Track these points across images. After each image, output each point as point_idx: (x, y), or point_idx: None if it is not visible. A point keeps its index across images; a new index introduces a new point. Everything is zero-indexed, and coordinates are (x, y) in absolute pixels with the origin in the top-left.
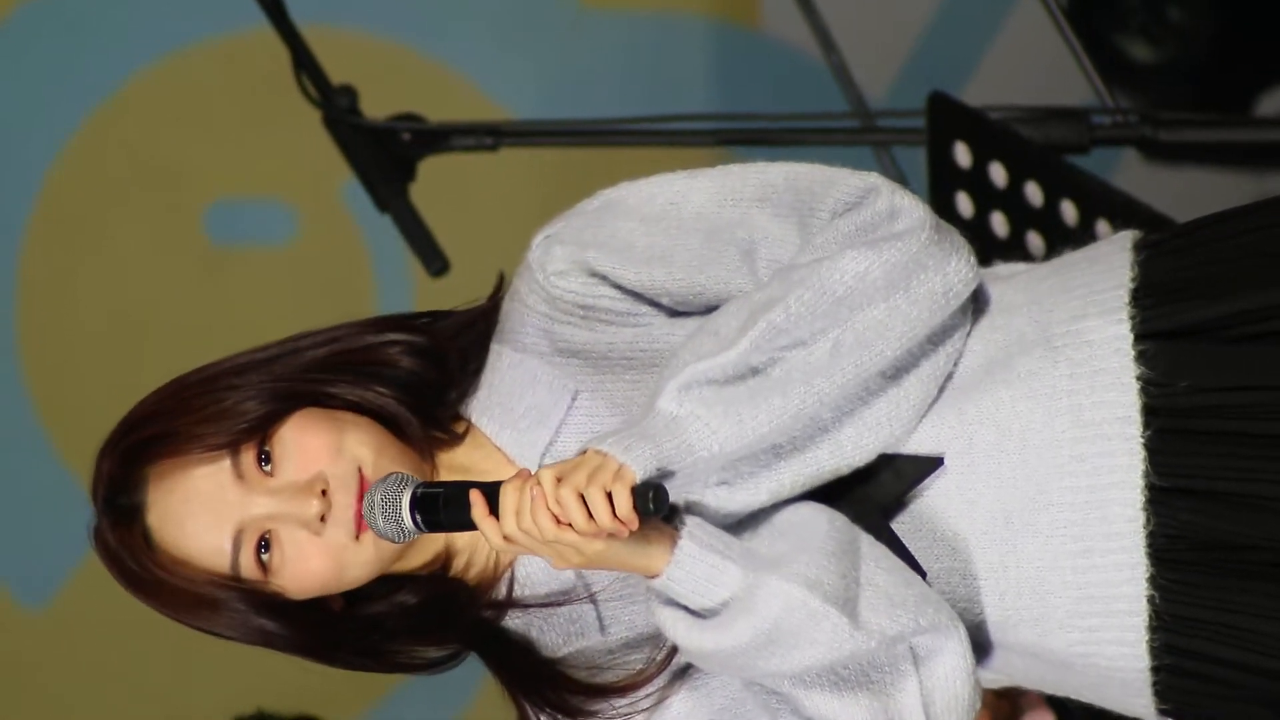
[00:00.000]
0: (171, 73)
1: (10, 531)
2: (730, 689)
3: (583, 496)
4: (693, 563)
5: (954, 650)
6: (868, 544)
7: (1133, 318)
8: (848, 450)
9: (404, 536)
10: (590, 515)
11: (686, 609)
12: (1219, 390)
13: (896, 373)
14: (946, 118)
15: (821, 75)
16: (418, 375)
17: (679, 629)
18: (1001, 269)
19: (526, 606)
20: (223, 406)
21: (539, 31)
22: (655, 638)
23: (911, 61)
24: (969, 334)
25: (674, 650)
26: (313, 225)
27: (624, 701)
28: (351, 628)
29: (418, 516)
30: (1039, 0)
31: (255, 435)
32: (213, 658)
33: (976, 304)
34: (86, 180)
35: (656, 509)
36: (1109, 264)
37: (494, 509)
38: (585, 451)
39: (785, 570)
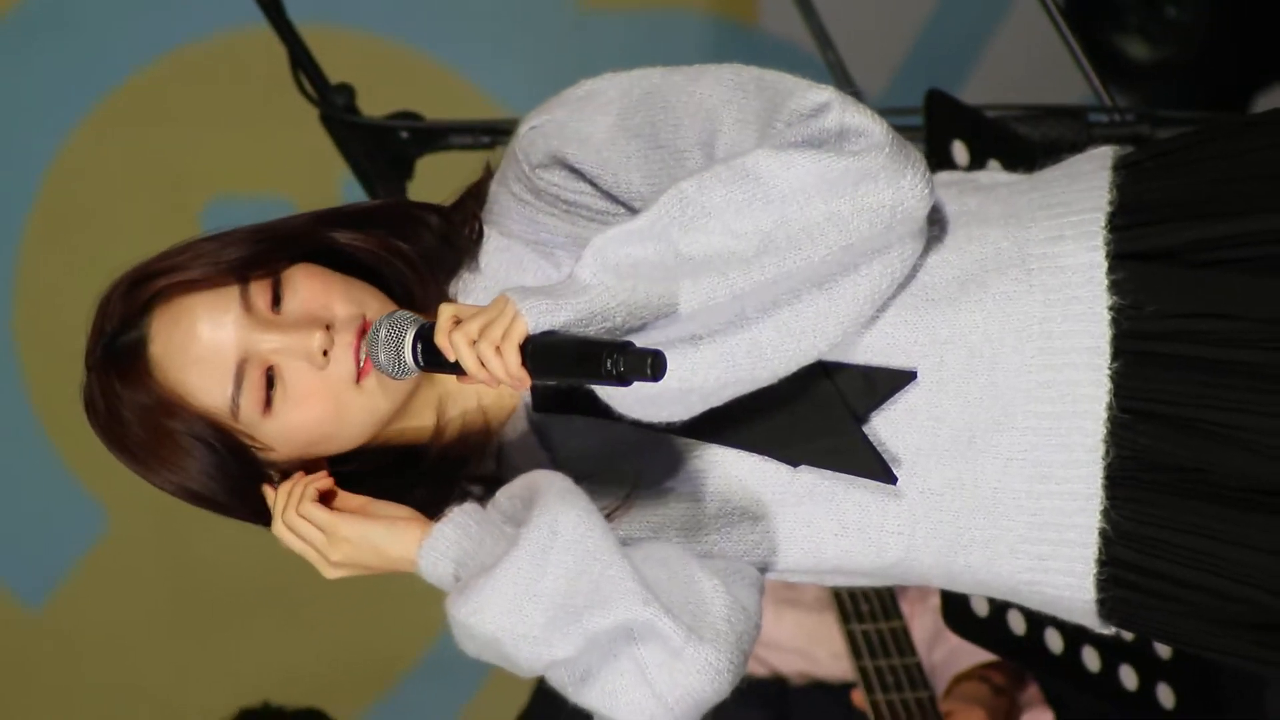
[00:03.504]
0: (170, 70)
1: (8, 530)
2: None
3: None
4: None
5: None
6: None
7: (1108, 243)
8: (767, 354)
9: (402, 372)
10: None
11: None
12: (1185, 316)
13: (829, 283)
14: (944, 116)
15: (819, 73)
16: (436, 251)
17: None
18: (983, 177)
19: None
20: (229, 248)
21: (537, 30)
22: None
23: (909, 59)
24: (943, 243)
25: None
26: None
27: None
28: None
29: (418, 350)
30: None
31: (264, 270)
32: (212, 654)
33: (952, 212)
34: (85, 177)
35: (654, 374)
36: (1089, 183)
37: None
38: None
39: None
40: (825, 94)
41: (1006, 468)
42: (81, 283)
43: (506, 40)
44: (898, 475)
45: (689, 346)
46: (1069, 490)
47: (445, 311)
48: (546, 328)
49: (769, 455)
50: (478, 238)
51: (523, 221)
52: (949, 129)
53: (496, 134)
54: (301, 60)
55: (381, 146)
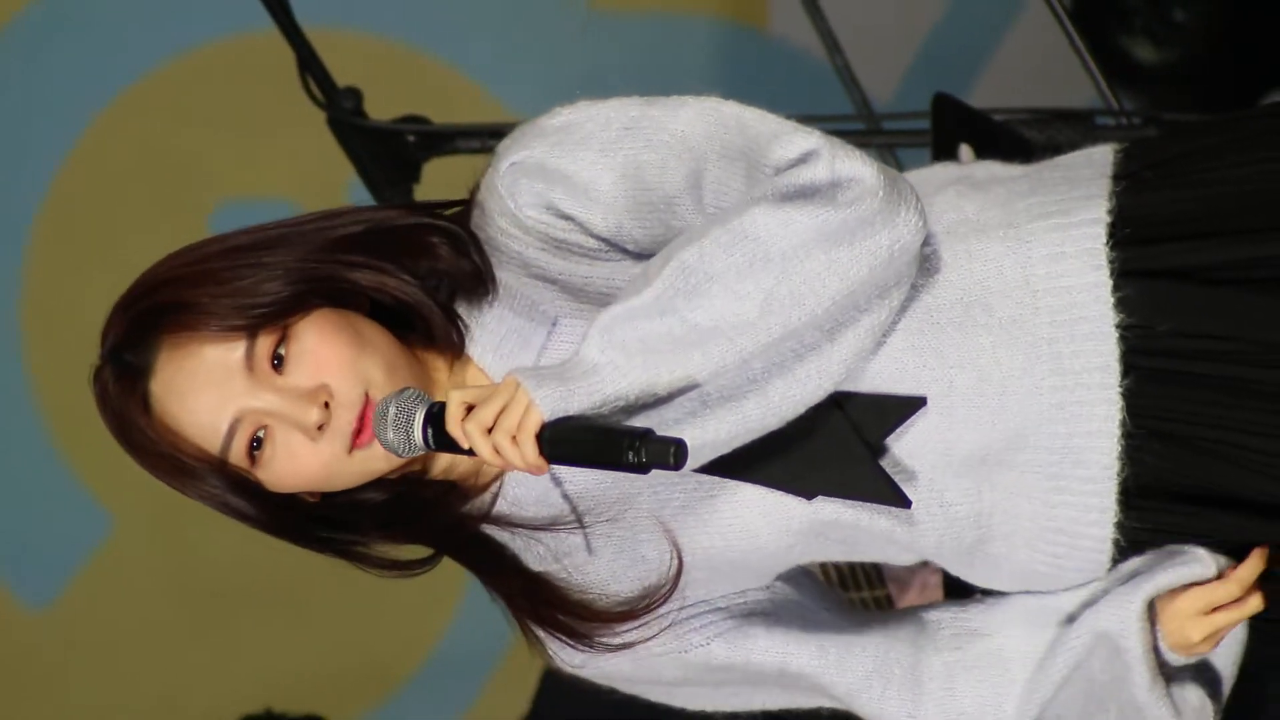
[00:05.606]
0: (178, 74)
1: (13, 532)
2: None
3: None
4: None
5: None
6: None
7: (1111, 261)
8: (775, 402)
9: (410, 451)
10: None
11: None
12: (1200, 336)
13: (834, 327)
14: (951, 119)
15: (828, 77)
16: (454, 270)
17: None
18: (979, 171)
19: (511, 526)
20: (244, 283)
21: (546, 33)
22: (646, 563)
23: (917, 63)
24: (944, 258)
25: (674, 586)
26: None
27: (625, 627)
28: (324, 517)
29: (429, 433)
30: (1044, 2)
31: (274, 324)
32: (217, 659)
33: (950, 222)
34: (93, 182)
35: (676, 463)
36: (1086, 190)
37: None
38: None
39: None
40: (812, 140)
41: (1021, 478)
42: (89, 286)
43: (514, 43)
44: (915, 496)
45: (700, 407)
46: (1084, 503)
47: (455, 398)
48: (561, 414)
49: (782, 489)
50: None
51: (511, 256)
52: (956, 132)
53: (504, 137)
54: (309, 63)
55: (388, 150)
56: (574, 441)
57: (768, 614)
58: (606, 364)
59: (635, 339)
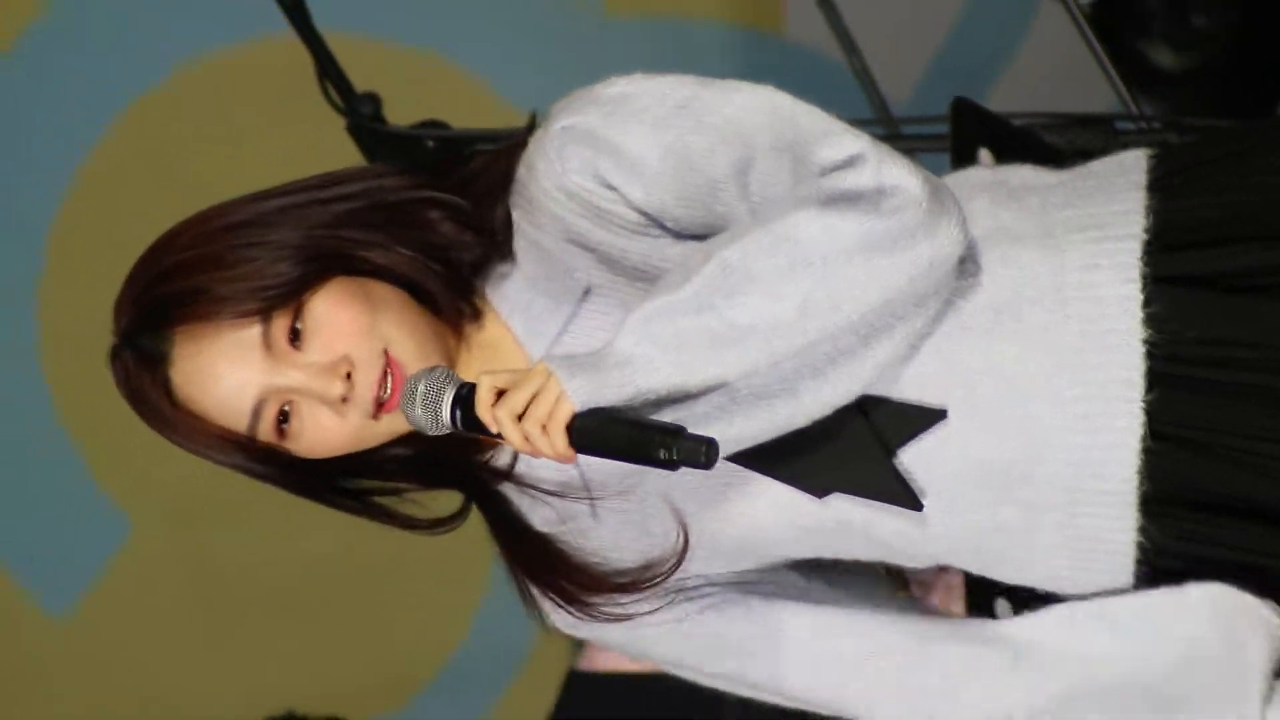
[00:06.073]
0: (195, 80)
1: (35, 539)
2: (725, 618)
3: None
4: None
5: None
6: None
7: (1144, 276)
8: (805, 403)
9: (438, 430)
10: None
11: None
12: (1225, 344)
13: (870, 333)
14: (970, 123)
15: (845, 80)
16: (457, 243)
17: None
18: (1013, 178)
19: (522, 485)
20: (254, 266)
21: (562, 38)
22: (651, 538)
23: (935, 67)
24: (977, 263)
25: (679, 563)
26: None
27: (627, 599)
28: (347, 471)
29: (457, 415)
30: (1062, 6)
31: (288, 304)
32: (237, 663)
33: (985, 229)
34: (109, 188)
35: (707, 463)
36: (1123, 204)
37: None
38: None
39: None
40: (859, 144)
41: (1042, 492)
42: (107, 295)
43: (532, 48)
44: (929, 500)
45: (729, 403)
46: (1104, 513)
47: (485, 383)
48: (592, 405)
49: (795, 485)
50: (506, 225)
51: (551, 219)
52: (975, 136)
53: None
54: (328, 69)
55: (408, 156)
56: (604, 434)
57: (768, 594)
58: (640, 356)
59: (671, 334)
